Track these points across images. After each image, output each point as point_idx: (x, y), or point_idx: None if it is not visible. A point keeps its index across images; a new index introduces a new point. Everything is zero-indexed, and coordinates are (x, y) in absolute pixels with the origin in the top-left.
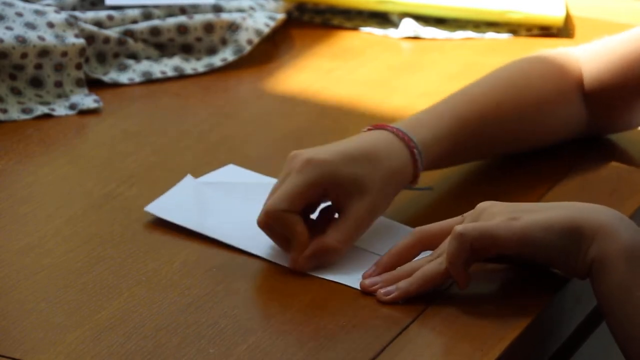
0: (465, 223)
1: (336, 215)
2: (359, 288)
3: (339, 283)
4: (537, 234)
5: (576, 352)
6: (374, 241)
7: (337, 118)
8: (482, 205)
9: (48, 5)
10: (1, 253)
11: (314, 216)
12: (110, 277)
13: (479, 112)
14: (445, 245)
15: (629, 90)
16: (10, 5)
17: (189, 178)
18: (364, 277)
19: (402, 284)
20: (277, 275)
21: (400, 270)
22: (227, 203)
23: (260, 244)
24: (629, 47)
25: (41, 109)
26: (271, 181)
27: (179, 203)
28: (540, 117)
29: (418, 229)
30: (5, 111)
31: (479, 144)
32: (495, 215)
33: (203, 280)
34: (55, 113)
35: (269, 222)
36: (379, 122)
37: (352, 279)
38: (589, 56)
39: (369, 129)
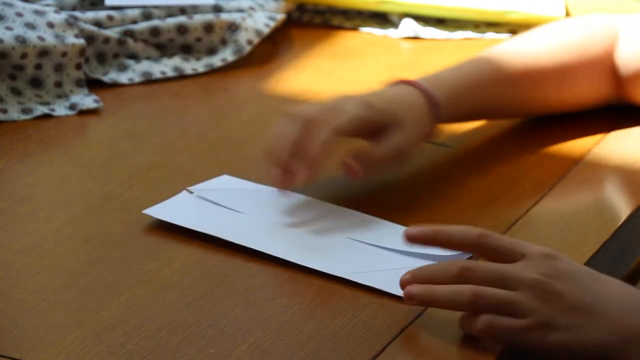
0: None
1: None
2: (393, 292)
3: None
4: (563, 357)
5: None
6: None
7: None
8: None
9: (48, 5)
10: (1, 253)
11: None
12: (110, 277)
13: (504, 75)
14: (496, 291)
15: None
16: (10, 5)
17: (184, 193)
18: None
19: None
20: (277, 275)
21: (433, 272)
22: (228, 204)
23: (262, 240)
24: None
25: (41, 109)
26: (269, 189)
27: (178, 207)
28: (563, 85)
29: (486, 232)
30: (5, 111)
31: (497, 107)
32: (534, 308)
33: (203, 280)
34: (55, 113)
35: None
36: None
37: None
38: (629, 29)
39: (395, 83)
